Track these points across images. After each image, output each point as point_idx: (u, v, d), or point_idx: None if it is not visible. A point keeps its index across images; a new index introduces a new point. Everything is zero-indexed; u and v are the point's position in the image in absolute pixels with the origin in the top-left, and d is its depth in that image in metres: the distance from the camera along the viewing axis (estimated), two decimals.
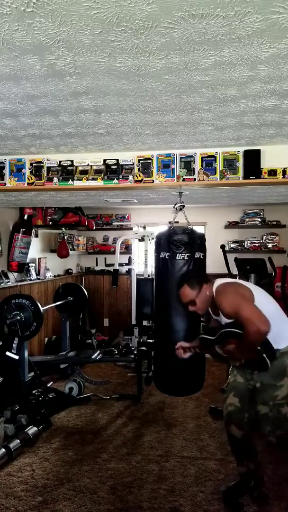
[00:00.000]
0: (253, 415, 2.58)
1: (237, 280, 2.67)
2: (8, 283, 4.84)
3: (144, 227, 6.58)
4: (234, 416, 2.61)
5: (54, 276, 6.16)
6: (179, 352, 2.73)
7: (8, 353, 3.92)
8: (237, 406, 2.60)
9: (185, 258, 3.03)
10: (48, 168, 3.00)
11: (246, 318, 2.30)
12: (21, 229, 5.03)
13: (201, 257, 3.08)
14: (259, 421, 2.55)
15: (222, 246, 5.76)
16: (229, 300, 2.43)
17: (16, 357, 3.96)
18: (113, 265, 6.12)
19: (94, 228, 6.34)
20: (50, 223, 5.46)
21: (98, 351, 4.90)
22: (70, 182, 2.98)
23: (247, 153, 2.75)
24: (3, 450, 3.21)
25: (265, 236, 6.63)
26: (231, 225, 6.74)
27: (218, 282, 2.58)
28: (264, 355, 2.37)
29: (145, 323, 5.57)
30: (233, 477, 3.00)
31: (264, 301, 2.49)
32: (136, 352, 4.74)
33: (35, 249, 5.63)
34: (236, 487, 2.72)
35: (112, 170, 2.92)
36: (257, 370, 2.50)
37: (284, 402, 2.44)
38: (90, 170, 2.95)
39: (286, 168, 2.76)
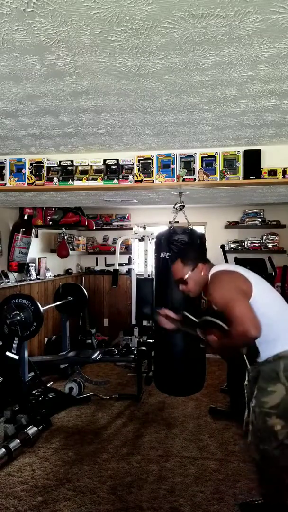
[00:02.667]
0: None
1: (239, 269, 2.34)
2: (8, 283, 4.84)
3: (144, 227, 6.58)
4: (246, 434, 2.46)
5: (54, 276, 6.16)
6: (161, 320, 2.49)
7: (8, 353, 3.92)
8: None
9: None
10: (48, 168, 3.00)
11: (236, 316, 2.04)
12: (21, 229, 5.03)
13: None
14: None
15: (222, 246, 5.76)
16: (222, 292, 2.17)
17: (16, 357, 3.97)
18: (113, 265, 6.11)
19: (94, 228, 6.34)
20: (50, 223, 5.46)
21: (98, 351, 4.90)
22: (70, 182, 2.98)
23: (247, 153, 2.75)
24: (3, 450, 3.21)
25: (265, 236, 6.63)
26: (231, 225, 6.74)
27: (217, 268, 2.33)
28: (245, 356, 2.20)
29: (145, 323, 5.57)
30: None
31: (264, 297, 2.23)
32: (136, 352, 4.74)
33: (35, 249, 5.63)
34: (256, 507, 2.51)
35: (112, 170, 2.92)
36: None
37: (273, 413, 2.12)
38: (90, 170, 2.95)
39: (286, 168, 2.76)
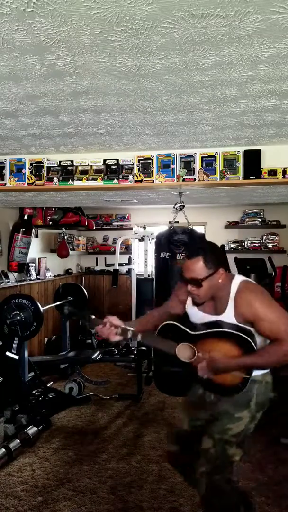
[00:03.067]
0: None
1: None
2: (8, 283, 4.84)
3: (144, 227, 6.58)
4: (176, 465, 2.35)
5: (54, 276, 6.16)
6: (101, 330, 2.03)
7: (8, 353, 3.92)
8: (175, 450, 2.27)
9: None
10: (48, 168, 3.00)
11: (286, 333, 1.86)
12: (21, 229, 5.03)
13: None
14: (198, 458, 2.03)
15: (222, 246, 5.76)
16: (268, 306, 1.93)
17: (16, 357, 3.96)
18: (113, 265, 6.12)
19: (94, 228, 6.34)
20: (50, 223, 5.46)
21: (98, 351, 4.90)
22: (70, 182, 2.98)
23: (247, 153, 2.75)
24: (3, 450, 3.21)
25: (265, 236, 6.63)
26: (231, 225, 6.74)
27: (242, 277, 2.06)
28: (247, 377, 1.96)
29: None
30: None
31: None
32: (136, 352, 4.74)
33: (35, 249, 5.63)
34: None
35: (112, 170, 2.92)
36: (221, 394, 2.06)
37: (233, 441, 1.97)
38: (90, 170, 2.95)
39: (286, 168, 2.76)
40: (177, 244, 3.08)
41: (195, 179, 2.84)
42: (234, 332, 1.95)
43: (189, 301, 2.13)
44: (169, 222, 3.46)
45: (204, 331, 2.03)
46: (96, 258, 7.15)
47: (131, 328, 2.09)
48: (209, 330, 2.02)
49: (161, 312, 2.29)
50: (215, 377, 1.97)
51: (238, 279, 2.04)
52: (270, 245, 6.58)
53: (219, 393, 2.05)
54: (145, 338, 2.13)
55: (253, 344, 1.91)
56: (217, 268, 1.98)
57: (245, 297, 1.95)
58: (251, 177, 2.75)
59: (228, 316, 1.99)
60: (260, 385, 2.02)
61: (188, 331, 2.06)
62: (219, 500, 1.99)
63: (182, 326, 2.09)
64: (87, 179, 2.95)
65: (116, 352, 5.09)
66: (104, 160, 2.93)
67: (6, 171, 3.07)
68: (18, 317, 4.03)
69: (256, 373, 1.98)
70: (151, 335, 2.15)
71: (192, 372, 1.99)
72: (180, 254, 3.07)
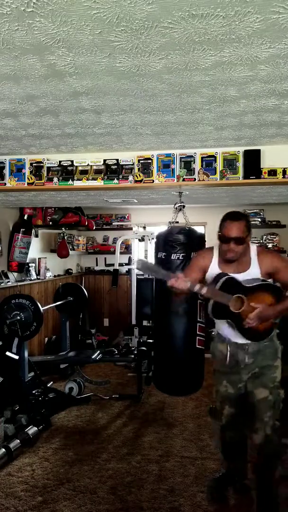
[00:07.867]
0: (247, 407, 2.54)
1: None
2: (8, 283, 4.84)
3: (144, 227, 6.58)
4: (233, 424, 2.64)
5: (54, 276, 6.16)
6: (176, 281, 2.21)
7: (8, 353, 3.92)
8: (235, 413, 2.61)
9: (180, 258, 3.03)
10: (48, 168, 3.00)
11: None
12: (21, 229, 5.03)
13: None
14: (256, 409, 2.46)
15: None
16: (284, 261, 2.47)
17: (16, 357, 3.97)
18: (113, 265, 6.12)
19: (94, 228, 6.34)
20: (50, 223, 5.46)
21: (98, 351, 4.90)
22: (70, 182, 2.98)
23: (247, 153, 2.75)
24: (3, 450, 3.21)
25: (265, 236, 6.63)
26: None
27: (255, 244, 2.57)
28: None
29: (145, 323, 5.57)
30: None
31: None
32: (136, 352, 4.74)
33: (35, 249, 5.63)
34: (222, 480, 2.79)
35: (112, 170, 2.92)
36: (257, 339, 2.45)
37: (279, 385, 2.49)
38: (90, 170, 2.95)
39: (286, 168, 2.76)
40: (172, 244, 3.08)
41: (195, 179, 2.84)
42: (271, 283, 2.41)
43: (213, 263, 2.48)
44: (169, 222, 3.46)
45: (256, 284, 2.36)
46: (96, 258, 7.15)
47: (197, 289, 2.30)
48: (257, 284, 2.37)
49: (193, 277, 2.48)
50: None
51: (253, 245, 2.48)
52: (270, 245, 6.57)
53: (256, 339, 2.44)
54: (209, 291, 2.37)
55: (283, 291, 2.39)
56: (249, 232, 2.38)
57: (271, 258, 2.45)
58: (251, 177, 2.75)
59: (254, 272, 2.40)
60: (276, 336, 2.53)
61: (243, 284, 2.35)
62: (275, 443, 2.44)
63: (240, 280, 2.37)
64: (87, 179, 2.95)
65: (116, 352, 5.09)
66: (104, 160, 2.93)
67: (6, 171, 3.07)
68: (18, 317, 4.03)
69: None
70: (213, 288, 2.38)
71: (239, 321, 2.35)
72: (175, 254, 3.06)
